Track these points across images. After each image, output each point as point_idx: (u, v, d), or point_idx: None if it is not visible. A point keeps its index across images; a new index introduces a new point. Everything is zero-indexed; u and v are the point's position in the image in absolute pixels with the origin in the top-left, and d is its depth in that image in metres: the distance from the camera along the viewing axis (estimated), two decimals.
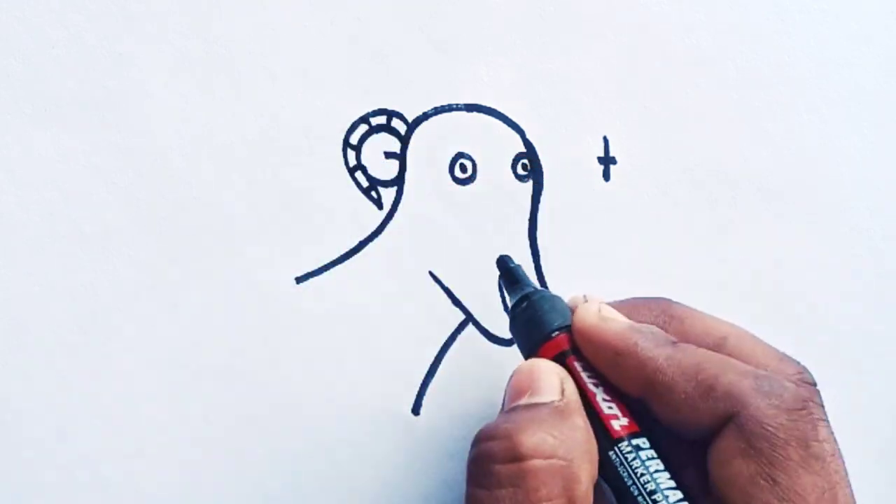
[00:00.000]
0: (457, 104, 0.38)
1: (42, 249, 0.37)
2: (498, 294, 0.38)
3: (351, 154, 0.38)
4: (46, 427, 0.37)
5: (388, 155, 0.38)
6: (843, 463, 0.29)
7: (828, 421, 0.30)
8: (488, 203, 0.38)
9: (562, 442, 0.28)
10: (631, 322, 0.32)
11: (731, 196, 0.39)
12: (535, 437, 0.28)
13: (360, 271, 0.38)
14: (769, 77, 0.40)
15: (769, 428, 0.28)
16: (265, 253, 0.38)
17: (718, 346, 0.31)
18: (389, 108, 0.38)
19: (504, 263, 0.35)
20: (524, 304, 0.33)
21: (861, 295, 0.40)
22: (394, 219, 0.38)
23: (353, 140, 0.38)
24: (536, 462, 0.28)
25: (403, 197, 0.38)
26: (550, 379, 0.31)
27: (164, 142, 0.37)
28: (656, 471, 0.29)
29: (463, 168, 0.38)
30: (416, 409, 0.38)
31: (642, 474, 0.29)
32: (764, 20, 0.40)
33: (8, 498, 0.37)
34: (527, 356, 0.33)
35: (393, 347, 0.38)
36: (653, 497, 0.29)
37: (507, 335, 0.38)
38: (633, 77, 0.39)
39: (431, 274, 0.38)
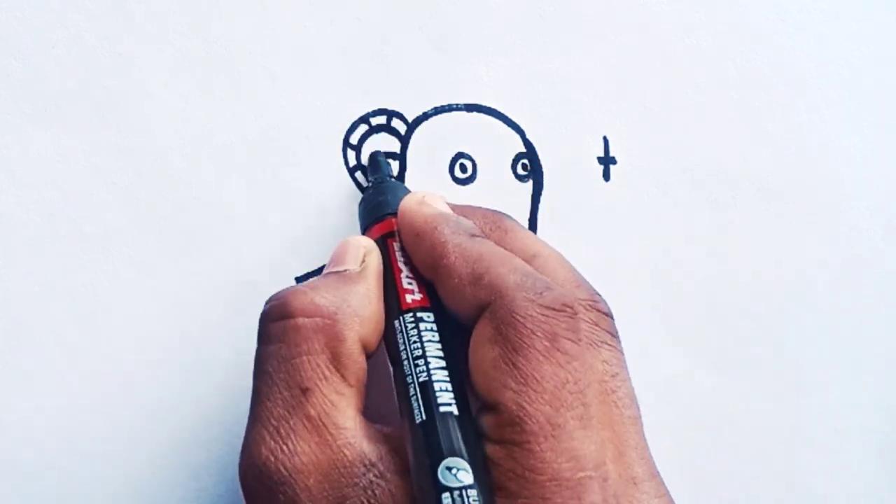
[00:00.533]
0: (457, 104, 0.38)
1: (42, 249, 0.37)
2: None
3: (351, 154, 0.38)
4: (46, 427, 0.37)
5: (388, 155, 0.38)
6: (626, 387, 0.30)
7: (613, 346, 0.31)
8: (488, 203, 0.38)
9: (330, 303, 0.30)
10: (445, 211, 0.33)
11: (731, 196, 0.39)
12: (305, 297, 0.30)
13: None
14: (769, 77, 0.40)
15: (517, 317, 0.28)
16: (265, 253, 0.38)
17: (526, 262, 0.32)
18: (389, 108, 0.38)
19: (373, 155, 0.38)
20: (372, 189, 0.36)
21: (861, 295, 0.40)
22: None
23: (353, 140, 0.38)
24: (300, 319, 0.30)
25: None
26: (354, 251, 0.33)
27: (164, 142, 0.38)
28: (429, 341, 0.30)
29: (463, 168, 0.38)
30: None
31: (414, 342, 0.30)
32: (764, 20, 0.40)
33: (8, 498, 0.37)
34: (363, 234, 0.35)
35: None
36: (416, 362, 0.30)
37: None
38: (633, 77, 0.39)
39: None
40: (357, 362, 0.30)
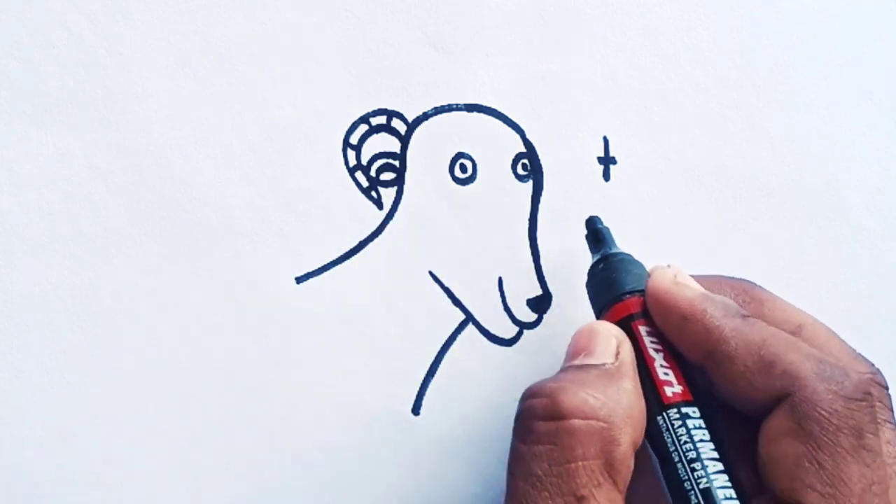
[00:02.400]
0: (457, 104, 0.38)
1: (42, 249, 0.37)
2: (498, 294, 0.38)
3: (351, 154, 0.38)
4: (46, 427, 0.37)
5: (388, 155, 0.38)
6: None
7: (892, 423, 0.29)
8: (488, 203, 0.38)
9: (603, 404, 0.29)
10: (705, 291, 0.32)
11: (731, 196, 0.39)
12: (577, 398, 0.29)
13: (360, 271, 0.38)
14: (769, 77, 0.40)
15: (822, 412, 0.28)
16: (265, 253, 0.38)
17: (793, 335, 0.31)
18: (389, 108, 0.38)
19: (592, 223, 0.36)
20: (601, 264, 0.34)
21: (861, 295, 0.40)
22: (394, 219, 0.38)
23: (353, 140, 0.38)
24: (575, 422, 0.28)
25: (403, 197, 0.38)
26: (607, 341, 0.31)
27: (164, 142, 0.38)
28: (701, 440, 0.29)
29: (463, 168, 0.38)
30: (416, 409, 0.38)
31: (685, 441, 0.29)
32: (764, 20, 0.40)
33: (8, 498, 0.37)
34: (597, 317, 0.34)
35: (393, 347, 0.38)
36: (692, 465, 0.29)
37: (508, 335, 0.38)
38: (633, 77, 0.39)
39: (431, 274, 0.38)
40: (628, 467, 0.29)
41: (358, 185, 0.38)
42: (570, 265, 0.38)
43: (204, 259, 0.38)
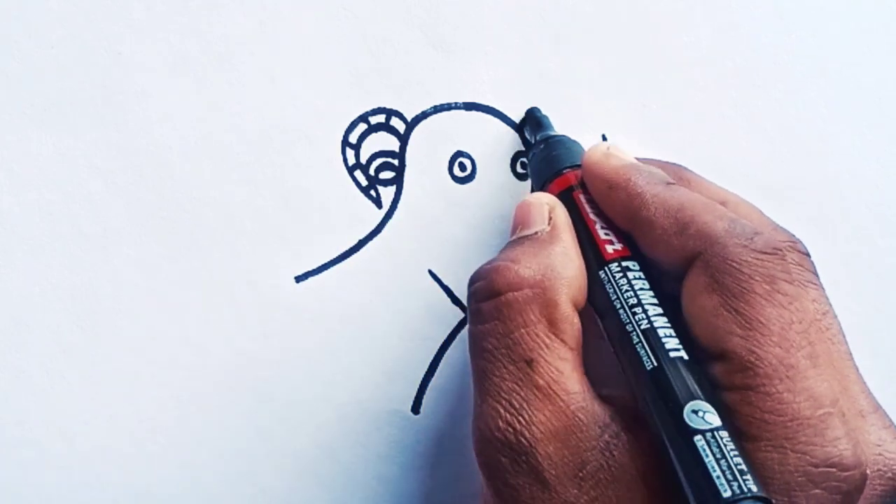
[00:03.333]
0: (456, 103, 0.38)
1: (42, 249, 0.37)
2: None
3: (350, 153, 0.38)
4: (46, 427, 0.37)
5: (388, 154, 0.38)
6: (836, 324, 0.30)
7: (817, 284, 0.30)
8: (488, 201, 0.38)
9: (535, 271, 0.31)
10: (634, 161, 0.33)
11: None
12: (510, 272, 0.30)
13: (359, 270, 0.38)
14: (769, 76, 0.40)
15: (733, 263, 0.29)
16: (265, 252, 0.38)
17: None
18: (388, 106, 0.38)
19: (531, 112, 0.38)
20: (542, 144, 0.36)
21: (861, 294, 0.40)
22: (393, 217, 0.38)
23: (353, 139, 0.38)
24: (510, 294, 0.30)
25: (403, 196, 0.38)
26: (539, 209, 0.33)
27: (164, 141, 0.38)
28: (641, 289, 0.30)
29: (462, 167, 0.38)
30: (415, 408, 0.38)
31: (626, 290, 0.30)
32: (764, 19, 0.40)
33: (8, 498, 0.37)
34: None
35: (393, 346, 0.38)
36: (633, 310, 0.30)
37: None
38: (633, 76, 0.39)
39: (431, 272, 0.38)
40: (573, 324, 0.30)
41: (357, 184, 0.38)
42: None
43: (204, 259, 0.38)
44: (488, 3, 0.39)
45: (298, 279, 0.38)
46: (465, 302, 0.38)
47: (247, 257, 0.38)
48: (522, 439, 0.28)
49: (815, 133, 0.40)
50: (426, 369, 0.38)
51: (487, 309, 0.31)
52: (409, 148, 0.38)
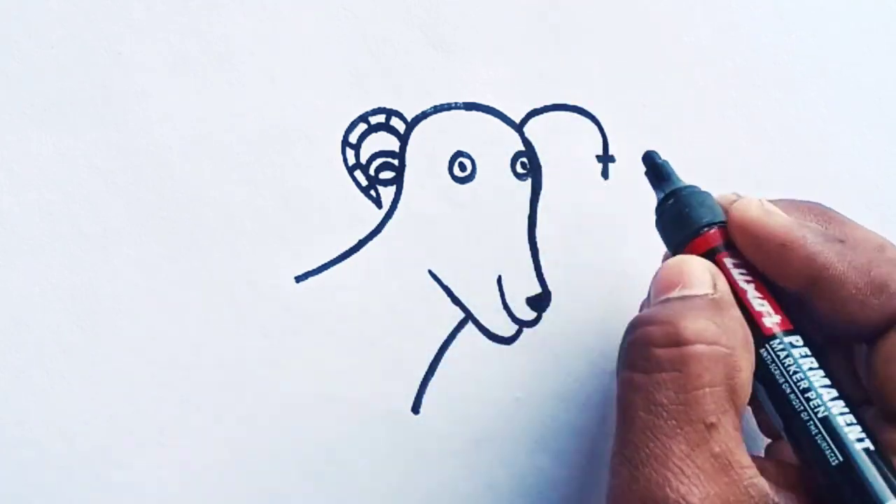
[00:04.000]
0: (456, 103, 0.38)
1: (42, 249, 0.37)
2: (497, 292, 0.38)
3: (350, 153, 0.38)
4: (46, 427, 0.37)
5: (388, 154, 0.38)
6: None
7: None
8: (487, 201, 0.38)
9: (724, 330, 0.28)
10: (795, 218, 0.31)
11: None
12: (698, 323, 0.28)
13: (359, 270, 0.38)
14: (769, 76, 0.40)
15: None
16: (265, 252, 0.38)
17: (876, 254, 0.30)
18: (388, 106, 0.38)
19: (651, 159, 0.34)
20: (671, 199, 0.33)
21: None
22: (393, 217, 0.38)
23: (353, 139, 0.38)
24: (700, 347, 0.27)
25: (403, 196, 0.38)
26: (702, 273, 0.30)
27: (164, 141, 0.38)
28: (810, 368, 0.28)
29: (462, 167, 0.38)
30: (415, 408, 0.38)
31: (795, 372, 0.28)
32: (764, 19, 0.40)
33: (8, 498, 0.37)
34: (674, 253, 0.32)
35: (393, 346, 0.38)
36: (806, 395, 0.28)
37: (507, 334, 0.38)
38: (632, 76, 0.39)
39: (431, 272, 0.38)
40: (748, 395, 0.28)
41: (357, 184, 0.38)
42: (570, 263, 0.38)
43: (203, 259, 0.38)
44: (488, 3, 0.39)
45: (298, 279, 0.38)
46: (465, 302, 0.38)
47: (247, 257, 0.38)
48: None
49: (815, 133, 0.40)
50: (426, 369, 0.38)
51: (667, 357, 0.28)
52: (409, 148, 0.38)
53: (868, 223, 0.40)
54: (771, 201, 0.32)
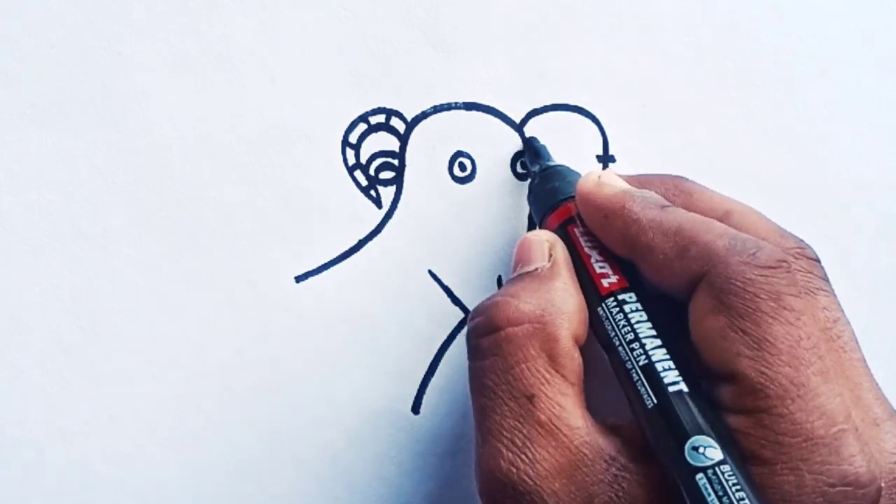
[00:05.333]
0: (456, 103, 0.38)
1: (42, 249, 0.37)
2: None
3: (350, 153, 0.38)
4: (46, 427, 0.37)
5: (388, 154, 0.38)
6: (848, 329, 0.30)
7: (827, 290, 0.30)
8: (488, 201, 0.38)
9: (535, 306, 0.30)
10: (627, 187, 0.32)
11: (730, 194, 0.39)
12: (508, 308, 0.30)
13: (359, 270, 0.38)
14: (769, 76, 0.40)
15: (737, 283, 0.28)
16: (265, 252, 0.38)
17: (722, 221, 0.31)
18: (388, 106, 0.38)
19: (529, 141, 0.38)
20: (539, 177, 0.36)
21: (860, 293, 0.40)
22: (393, 217, 0.38)
23: (353, 139, 0.38)
24: (510, 330, 0.30)
25: (403, 196, 0.38)
26: (539, 247, 0.32)
27: (164, 142, 0.38)
28: (638, 321, 0.30)
29: (462, 167, 0.38)
30: (415, 408, 0.38)
31: (623, 325, 0.30)
32: (764, 19, 0.40)
33: (8, 498, 0.37)
34: (539, 226, 0.35)
35: (393, 346, 0.38)
36: (631, 345, 0.29)
37: None
38: (632, 76, 0.39)
39: (431, 273, 0.38)
40: (574, 359, 0.30)
41: (357, 184, 0.38)
42: None
43: (203, 259, 0.38)
44: (488, 3, 0.39)
45: (298, 279, 0.38)
46: (465, 302, 0.38)
47: (247, 257, 0.38)
48: (527, 478, 0.28)
49: (815, 133, 0.40)
50: (426, 369, 0.38)
51: (487, 345, 0.30)
52: (409, 148, 0.38)
53: (868, 223, 0.40)
54: (632, 176, 0.35)
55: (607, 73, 0.39)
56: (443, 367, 0.38)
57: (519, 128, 0.39)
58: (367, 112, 0.38)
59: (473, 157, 0.38)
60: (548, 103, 0.39)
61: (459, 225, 0.38)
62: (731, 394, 0.28)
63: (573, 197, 0.34)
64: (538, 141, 0.38)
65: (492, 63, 0.39)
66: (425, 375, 0.38)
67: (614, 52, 0.39)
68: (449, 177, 0.38)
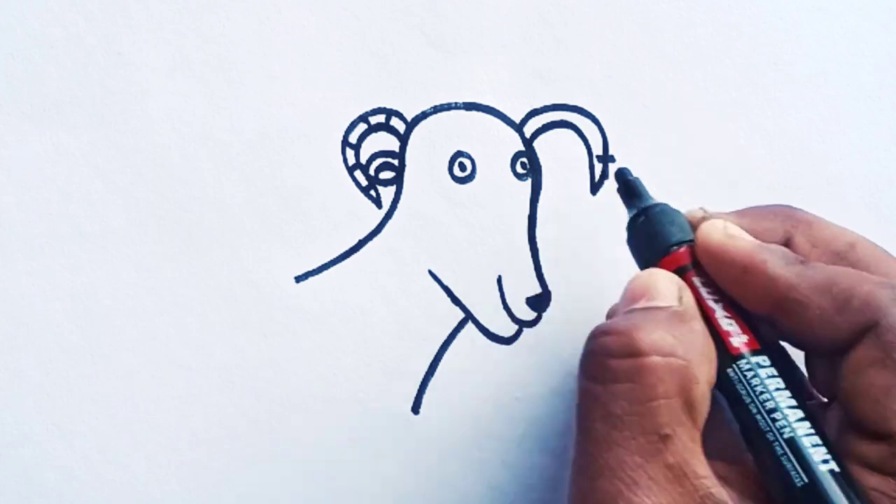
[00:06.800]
0: (456, 103, 0.38)
1: (42, 249, 0.37)
2: (497, 292, 0.38)
3: (350, 153, 0.38)
4: (46, 427, 0.37)
5: (388, 154, 0.38)
6: None
7: None
8: (487, 201, 0.38)
9: (680, 342, 0.28)
10: (759, 242, 0.31)
11: (730, 194, 0.39)
12: (655, 335, 0.28)
13: (359, 270, 0.38)
14: (769, 76, 0.40)
15: None
16: (265, 252, 0.38)
17: (846, 253, 0.31)
18: (388, 106, 0.38)
19: (623, 176, 0.35)
20: (642, 217, 0.33)
21: None
22: (393, 218, 0.38)
23: (353, 139, 0.38)
24: (655, 359, 0.28)
25: (403, 196, 0.38)
26: (668, 286, 0.30)
27: (164, 141, 0.38)
28: (776, 389, 0.28)
29: (462, 167, 0.38)
30: (415, 408, 0.38)
31: (762, 392, 0.28)
32: (763, 19, 0.40)
33: (8, 498, 0.37)
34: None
35: (393, 346, 0.38)
36: (772, 415, 0.28)
37: (507, 334, 0.38)
38: (632, 75, 0.39)
39: (431, 272, 0.38)
40: (706, 407, 0.28)
41: (357, 183, 0.38)
42: (570, 263, 0.39)
43: (203, 259, 0.38)
44: (488, 3, 0.39)
45: (298, 279, 0.38)
46: (465, 302, 0.38)
47: (247, 257, 0.38)
48: None
49: (815, 133, 0.40)
50: (426, 369, 0.38)
51: (624, 368, 0.28)
52: (409, 148, 0.38)
53: (868, 223, 0.40)
54: (738, 211, 0.33)
55: (607, 73, 0.39)
56: (443, 366, 0.38)
57: (519, 128, 0.39)
58: (367, 112, 0.38)
59: (473, 157, 0.38)
60: (548, 103, 0.39)
61: (459, 225, 0.38)
62: (883, 453, 0.27)
63: (687, 242, 0.32)
64: (631, 173, 0.35)
65: (492, 63, 0.39)
66: (425, 375, 0.38)
67: (614, 52, 0.39)
68: (449, 177, 0.38)
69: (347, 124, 0.38)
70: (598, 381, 0.28)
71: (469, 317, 0.38)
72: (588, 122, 0.39)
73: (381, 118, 0.38)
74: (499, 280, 0.38)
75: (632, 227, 0.34)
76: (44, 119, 0.37)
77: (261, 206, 0.38)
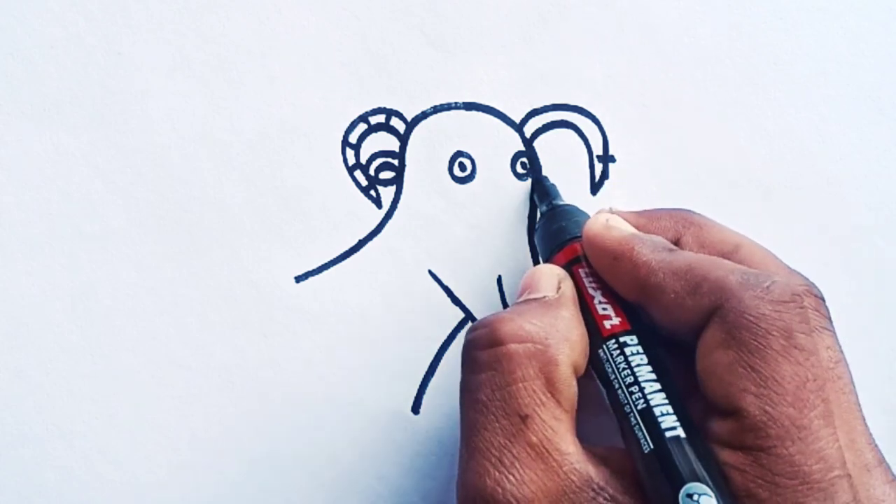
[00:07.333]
0: (456, 103, 0.38)
1: (42, 249, 0.37)
2: (497, 292, 0.38)
3: (350, 153, 0.38)
4: (46, 427, 0.37)
5: (388, 154, 0.38)
6: (847, 371, 0.29)
7: (831, 330, 0.30)
8: (487, 201, 0.38)
9: (540, 328, 0.30)
10: (634, 231, 0.33)
11: (730, 194, 0.39)
12: (513, 324, 0.30)
13: (359, 270, 0.38)
14: (769, 76, 0.40)
15: (749, 317, 0.28)
16: (265, 252, 0.38)
17: (731, 254, 0.32)
18: (388, 106, 0.38)
19: (538, 179, 0.38)
20: (548, 215, 0.36)
21: (860, 293, 0.40)
22: (393, 218, 0.38)
23: (353, 139, 0.38)
24: (512, 346, 0.30)
25: (403, 196, 0.38)
26: (548, 278, 0.33)
27: (164, 141, 0.38)
28: (638, 365, 0.30)
29: (462, 167, 0.38)
30: (415, 408, 0.38)
31: (623, 368, 0.30)
32: (763, 19, 0.40)
33: (8, 498, 0.37)
34: (545, 262, 0.35)
35: (392, 346, 0.38)
36: (630, 389, 0.30)
37: None
38: (633, 75, 0.39)
39: (431, 273, 0.38)
40: (570, 387, 0.30)
41: (357, 183, 0.38)
42: None
43: (203, 258, 0.38)
44: (488, 3, 0.39)
45: (298, 279, 0.38)
46: (465, 302, 0.38)
47: (247, 257, 0.38)
48: (511, 499, 0.28)
49: (814, 133, 0.40)
50: (426, 369, 0.38)
51: (485, 358, 0.30)
52: (409, 148, 0.38)
53: (868, 223, 0.40)
54: (639, 211, 0.35)
55: (607, 73, 0.39)
56: (443, 367, 0.38)
57: (519, 128, 0.39)
58: (367, 112, 0.38)
59: (473, 157, 0.38)
60: (548, 103, 0.39)
61: (459, 225, 0.38)
62: (731, 429, 0.28)
63: (579, 237, 0.34)
64: (548, 180, 0.38)
65: (492, 63, 0.39)
66: (425, 375, 0.38)
67: (614, 52, 0.39)
68: (449, 177, 0.38)
69: (347, 124, 0.38)
70: (468, 371, 0.31)
71: (469, 317, 0.38)
72: (588, 121, 0.39)
73: (381, 118, 0.38)
74: (499, 280, 0.38)
75: (539, 223, 0.37)
76: (44, 119, 0.37)
77: (261, 206, 0.38)
